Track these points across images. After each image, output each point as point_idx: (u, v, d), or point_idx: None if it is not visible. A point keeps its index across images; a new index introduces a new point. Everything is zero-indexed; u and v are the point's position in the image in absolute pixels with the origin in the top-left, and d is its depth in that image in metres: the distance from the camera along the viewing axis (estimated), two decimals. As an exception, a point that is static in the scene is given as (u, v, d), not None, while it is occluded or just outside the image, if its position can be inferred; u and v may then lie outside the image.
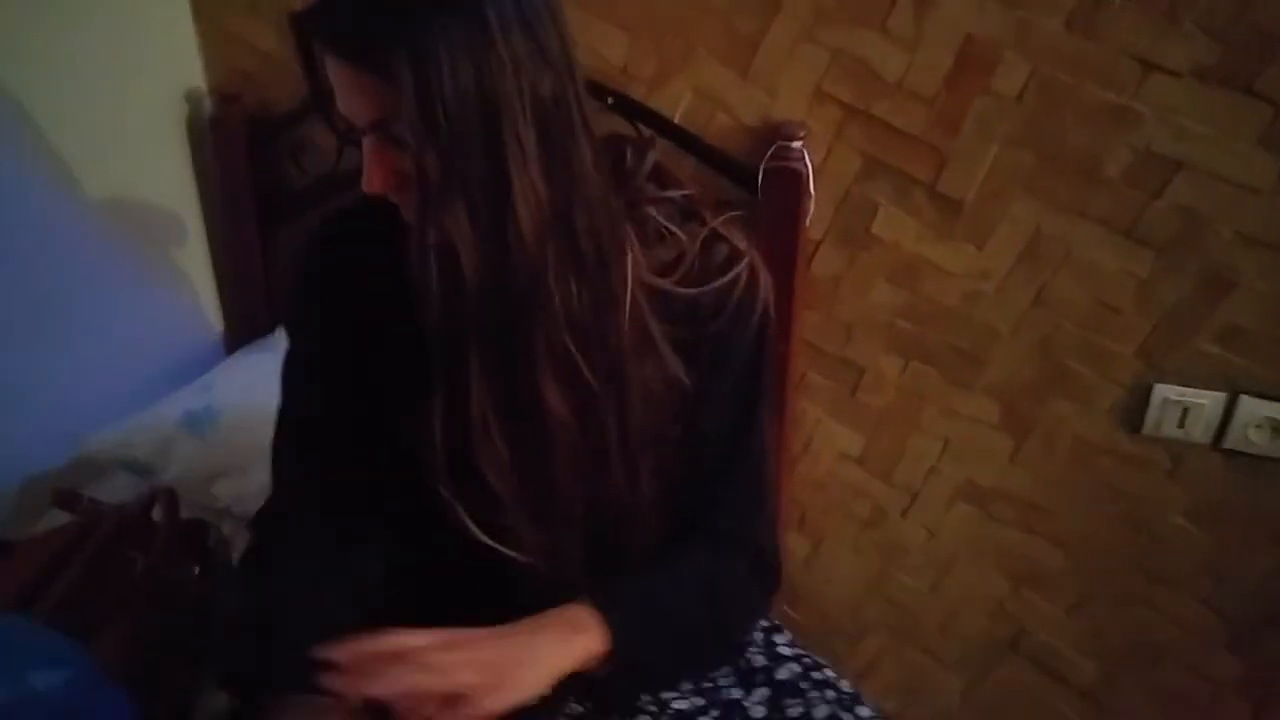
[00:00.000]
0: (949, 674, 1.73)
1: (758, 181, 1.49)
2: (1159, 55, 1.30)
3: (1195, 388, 1.42)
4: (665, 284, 0.96)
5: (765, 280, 1.04)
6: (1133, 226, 1.38)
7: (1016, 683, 1.68)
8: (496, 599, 0.90)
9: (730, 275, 1.00)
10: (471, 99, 0.80)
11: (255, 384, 1.58)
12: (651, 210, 1.01)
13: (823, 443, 1.68)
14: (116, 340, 1.67)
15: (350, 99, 0.84)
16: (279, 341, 1.75)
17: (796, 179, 1.48)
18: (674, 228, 1.01)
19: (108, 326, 1.66)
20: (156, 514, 1.35)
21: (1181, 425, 1.45)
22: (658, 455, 0.99)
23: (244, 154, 1.79)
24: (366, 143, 0.86)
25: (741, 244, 1.03)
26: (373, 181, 0.87)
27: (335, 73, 0.84)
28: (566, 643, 0.86)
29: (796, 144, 1.47)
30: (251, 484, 1.46)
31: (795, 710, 1.08)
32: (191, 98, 1.81)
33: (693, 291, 0.97)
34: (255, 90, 1.82)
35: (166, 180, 1.79)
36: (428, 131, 0.79)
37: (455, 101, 0.79)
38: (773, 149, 1.48)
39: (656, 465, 0.99)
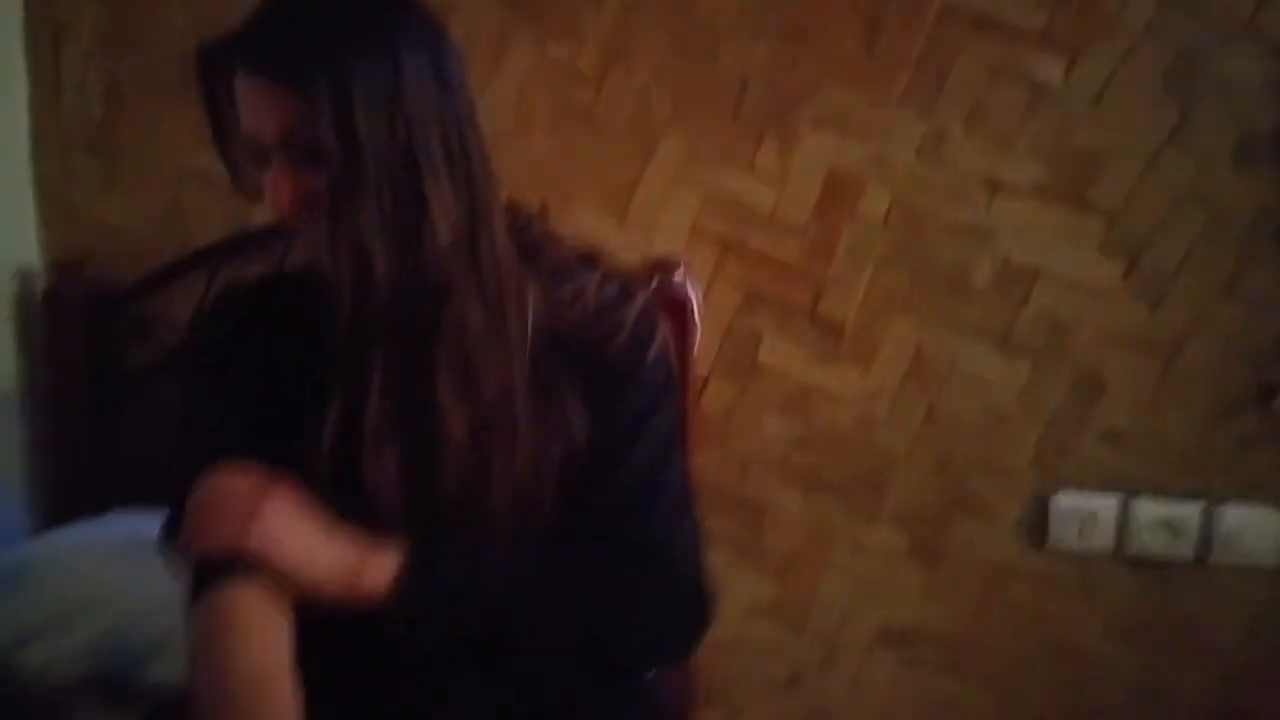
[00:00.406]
0: None
1: (641, 314, 1.50)
2: (1001, 175, 1.44)
3: (1089, 491, 1.45)
4: (562, 316, 0.95)
5: (662, 325, 1.02)
6: (1006, 335, 1.46)
7: None
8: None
9: (625, 309, 0.98)
10: (385, 114, 0.82)
11: (90, 546, 1.37)
12: (550, 255, 1.01)
13: (729, 596, 1.55)
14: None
15: (262, 116, 0.84)
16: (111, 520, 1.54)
17: (682, 309, 1.48)
18: (572, 273, 1.00)
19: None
20: None
21: (1082, 535, 1.45)
22: (538, 509, 0.93)
23: (81, 331, 1.66)
24: (276, 162, 0.85)
25: (636, 288, 1.02)
26: (280, 200, 0.85)
27: (247, 92, 0.85)
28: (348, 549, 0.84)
29: (678, 275, 1.50)
30: (79, 639, 1.22)
31: None
32: (22, 274, 1.70)
33: (587, 318, 0.95)
34: (96, 266, 1.72)
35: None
36: (344, 141, 0.81)
37: (371, 114, 0.81)
38: (655, 283, 1.50)
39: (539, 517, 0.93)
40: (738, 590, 1.57)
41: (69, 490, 1.69)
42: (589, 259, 1.03)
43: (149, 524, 1.39)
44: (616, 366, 0.96)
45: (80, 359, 1.67)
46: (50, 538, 1.51)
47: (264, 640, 0.81)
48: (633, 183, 1.56)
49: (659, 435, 0.98)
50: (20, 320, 1.68)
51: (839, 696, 1.55)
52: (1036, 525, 1.46)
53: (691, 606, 0.98)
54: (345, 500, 0.86)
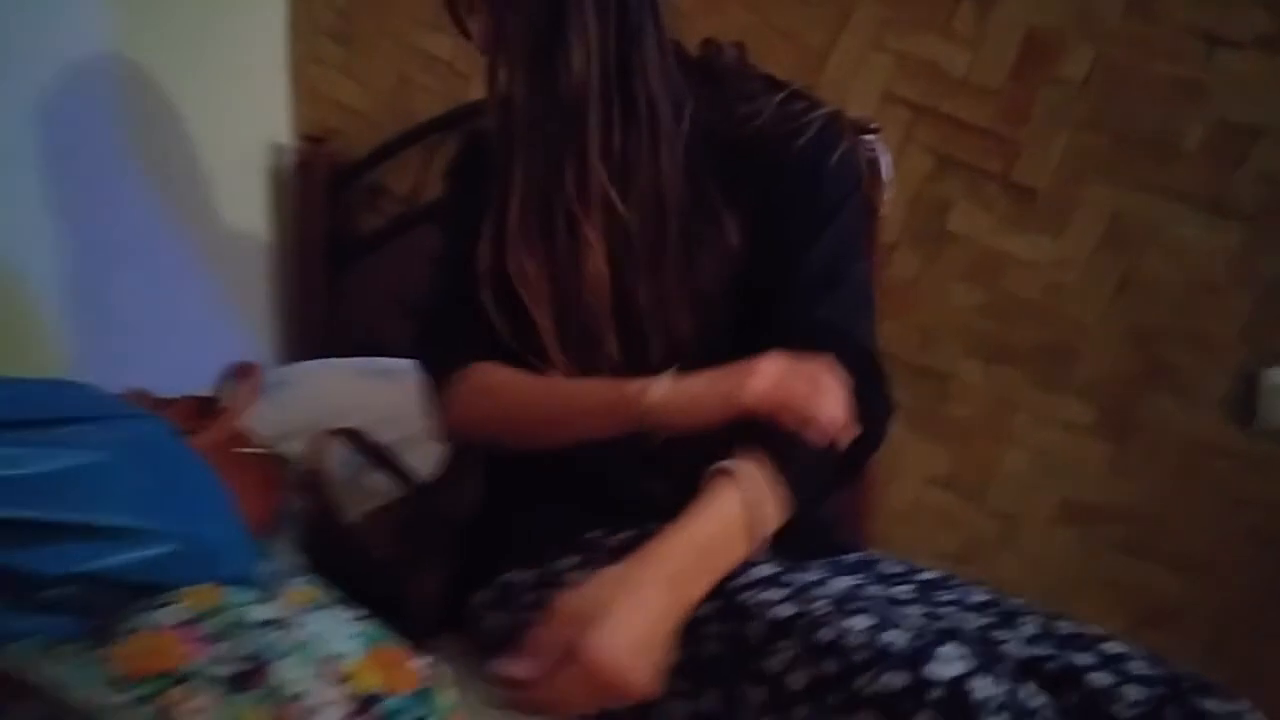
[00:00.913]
0: None
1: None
2: (1221, 29, 1.37)
3: (1307, 368, 1.36)
4: (740, 126, 1.02)
5: (854, 135, 1.06)
6: (1217, 199, 1.39)
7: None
8: None
9: (810, 115, 1.03)
10: None
11: (337, 370, 1.60)
12: (737, 80, 1.06)
13: (907, 466, 1.59)
14: (171, 357, 1.67)
15: None
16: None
17: (874, 168, 1.51)
18: (757, 94, 1.05)
19: (167, 344, 1.67)
20: None
21: (1298, 413, 1.36)
22: (702, 310, 1.01)
23: (321, 198, 1.88)
24: (477, 9, 1.04)
25: (824, 103, 1.06)
26: (479, 40, 1.06)
27: None
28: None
29: (870, 136, 1.52)
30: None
31: (943, 595, 0.98)
32: (275, 150, 1.94)
33: (767, 125, 1.02)
34: (336, 141, 1.94)
35: (246, 222, 1.88)
36: None
37: None
38: (845, 143, 1.54)
39: (700, 320, 1.01)
40: (916, 460, 1.59)
41: (307, 339, 1.94)
42: (779, 84, 1.10)
43: (380, 361, 1.60)
44: (799, 164, 1.02)
45: (321, 223, 1.90)
46: (297, 366, 1.74)
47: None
48: (826, 49, 1.59)
49: (843, 232, 1.04)
50: (273, 189, 1.94)
51: (1015, 572, 1.53)
52: (1242, 402, 1.39)
53: (885, 383, 1.04)
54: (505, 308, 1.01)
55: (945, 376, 1.56)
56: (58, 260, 1.53)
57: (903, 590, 1.00)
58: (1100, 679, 0.85)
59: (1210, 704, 0.83)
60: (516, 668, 0.73)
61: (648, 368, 0.96)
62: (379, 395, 1.48)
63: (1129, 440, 1.46)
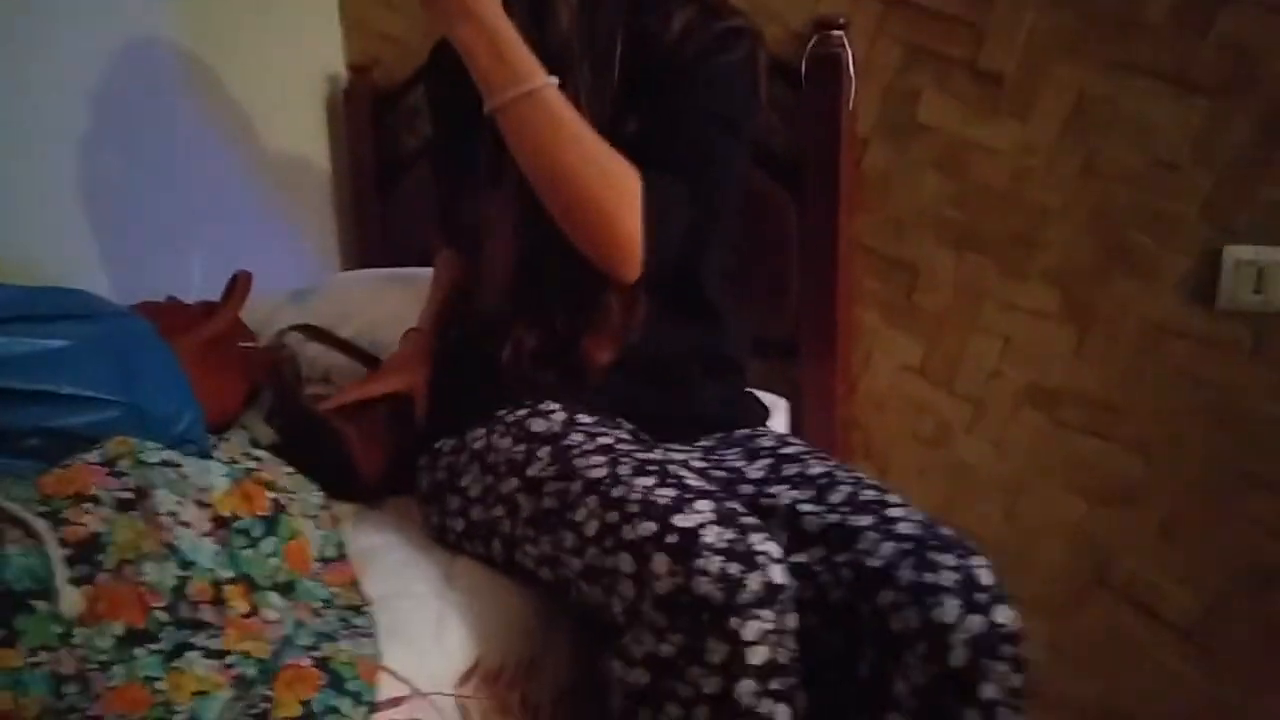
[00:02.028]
0: (1032, 617, 1.55)
1: (801, 75, 1.61)
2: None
3: (1269, 244, 1.35)
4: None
5: (758, 47, 1.20)
6: (1182, 72, 1.39)
7: (1107, 624, 1.55)
8: None
9: (714, 28, 1.16)
10: None
11: (360, 279, 1.84)
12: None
13: (882, 355, 1.68)
14: (246, 267, 1.95)
15: None
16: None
17: (837, 63, 1.58)
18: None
19: (237, 254, 1.95)
20: None
21: (1259, 290, 1.37)
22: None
23: (370, 118, 2.11)
24: None
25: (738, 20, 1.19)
26: None
27: None
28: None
29: (836, 31, 1.58)
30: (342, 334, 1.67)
31: (791, 470, 1.14)
32: (330, 79, 2.17)
33: (670, 36, 1.15)
34: (381, 69, 2.15)
35: (305, 145, 2.13)
36: None
37: None
38: (814, 39, 1.60)
39: None
40: (889, 349, 1.68)
41: (361, 252, 2.19)
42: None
43: (405, 270, 1.82)
44: (692, 67, 1.14)
45: (369, 145, 2.13)
46: (332, 276, 2.00)
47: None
48: (801, -55, 1.65)
49: (713, 104, 1.14)
50: (328, 115, 2.18)
51: (984, 453, 1.61)
52: (1205, 282, 1.40)
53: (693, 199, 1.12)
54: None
55: (917, 267, 1.63)
56: (131, 186, 1.82)
57: (759, 464, 1.17)
58: (869, 537, 1.00)
59: (944, 558, 0.95)
60: None
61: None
62: (392, 300, 1.71)
63: (1092, 324, 1.49)
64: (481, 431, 1.16)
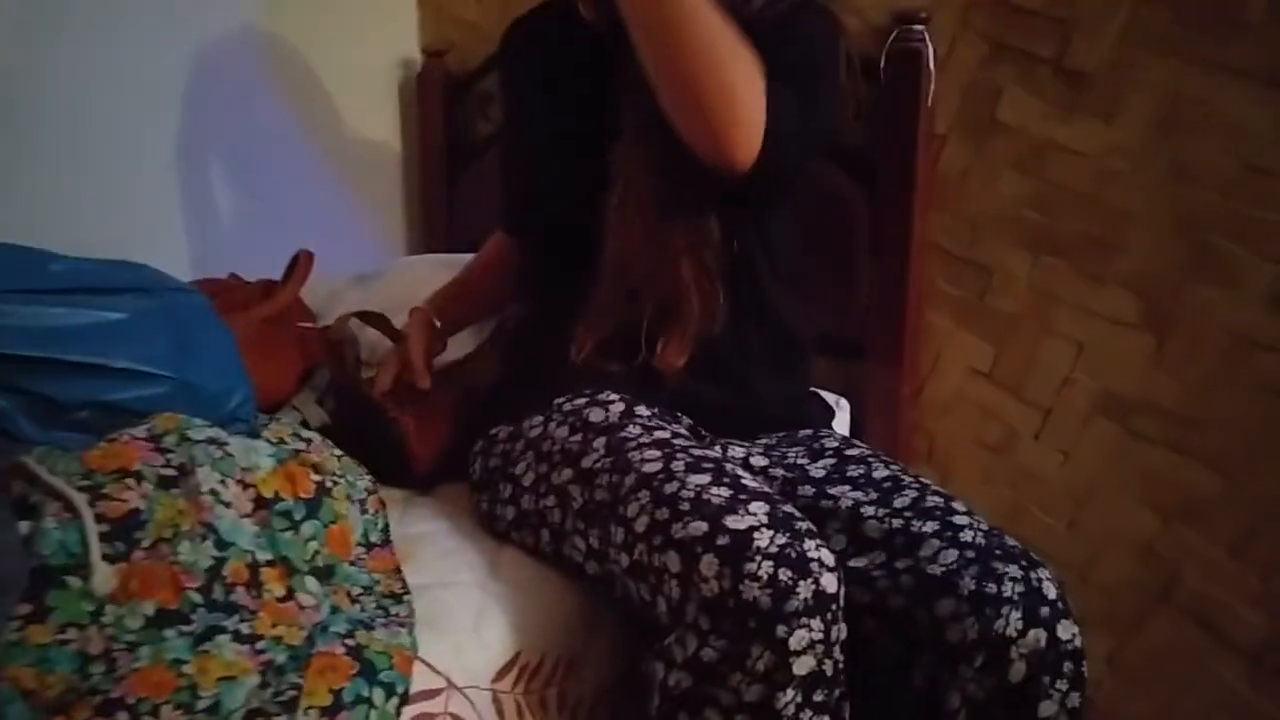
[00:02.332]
0: (1092, 633, 1.47)
1: (880, 70, 1.54)
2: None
3: (1365, 257, 1.26)
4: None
5: (835, 19, 1.18)
6: (1277, 72, 1.29)
7: (1171, 642, 1.46)
8: None
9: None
10: None
11: (423, 264, 1.82)
12: None
13: (951, 358, 1.61)
14: (316, 249, 1.95)
15: None
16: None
17: (917, 59, 1.51)
18: None
19: (307, 236, 1.96)
20: None
21: (1352, 305, 1.27)
22: None
23: (441, 104, 2.09)
24: None
25: None
26: None
27: None
28: None
29: (917, 26, 1.51)
30: (400, 322, 1.66)
31: (855, 471, 1.09)
32: (405, 63, 2.16)
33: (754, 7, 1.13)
34: (456, 54, 2.13)
35: (378, 129, 2.13)
36: None
37: None
38: (894, 34, 1.53)
39: None
40: (959, 352, 1.60)
41: (431, 235, 2.18)
42: None
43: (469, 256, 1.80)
44: (771, 30, 1.09)
45: (440, 130, 2.12)
46: (397, 260, 1.99)
47: None
48: (883, -64, 1.58)
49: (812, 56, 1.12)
50: (402, 100, 2.17)
51: (1052, 463, 1.52)
52: (1293, 294, 1.30)
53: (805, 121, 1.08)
54: None
55: (991, 269, 1.55)
56: (206, 168, 1.84)
57: (822, 463, 1.12)
58: (931, 544, 0.95)
59: (1008, 568, 0.89)
60: None
61: None
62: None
63: (1171, 333, 1.40)
64: (539, 420, 1.13)
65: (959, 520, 0.97)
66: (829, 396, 1.47)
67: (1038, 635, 0.89)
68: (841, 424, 1.52)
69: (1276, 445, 1.35)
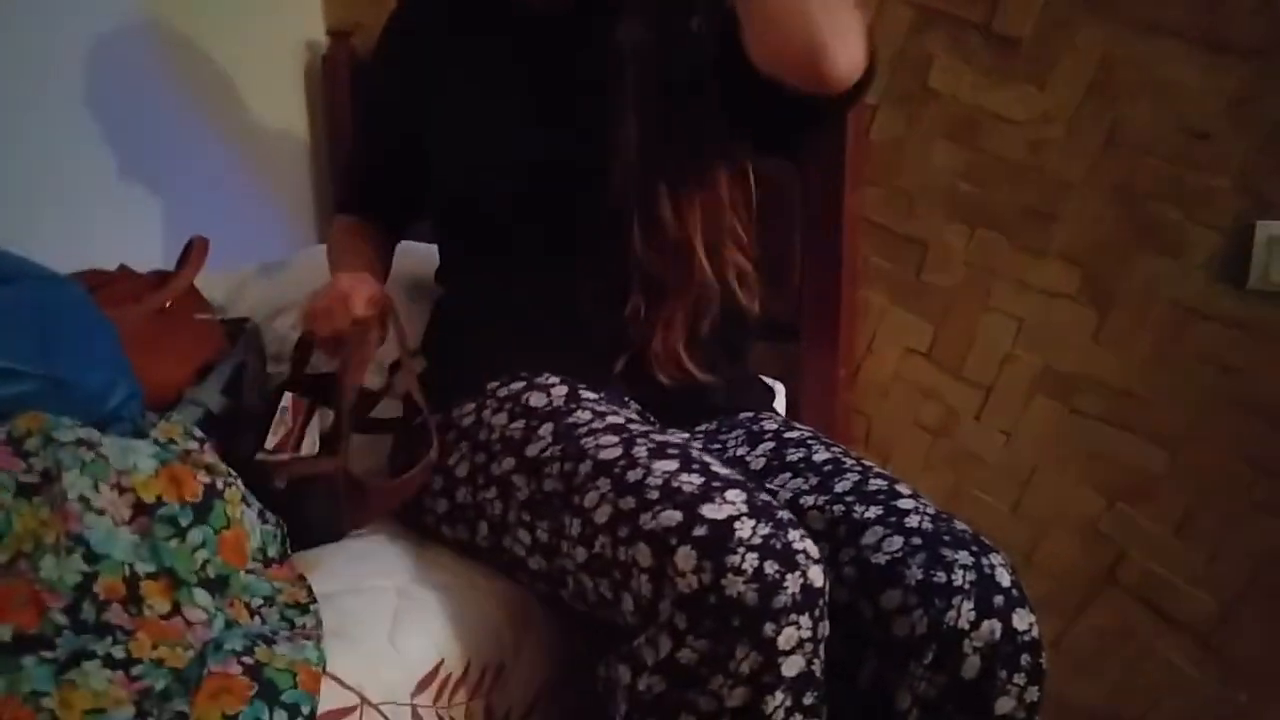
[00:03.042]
0: (1037, 616, 1.49)
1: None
2: None
3: (1307, 219, 1.25)
4: None
5: None
6: (1215, 33, 1.27)
7: (1117, 624, 1.44)
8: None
9: None
10: None
11: (317, 252, 1.69)
12: None
13: (887, 337, 1.57)
14: (221, 239, 1.84)
15: None
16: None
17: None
18: None
19: (210, 227, 1.84)
20: None
21: (1293, 271, 1.26)
22: None
23: (349, 87, 1.99)
24: None
25: None
26: None
27: None
28: None
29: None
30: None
31: (795, 455, 1.03)
32: (310, 45, 2.05)
33: None
34: (363, 35, 2.03)
35: (283, 114, 2.02)
36: None
37: None
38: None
39: None
40: (896, 331, 1.56)
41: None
42: None
43: None
44: None
45: (350, 112, 2.02)
46: (302, 250, 1.88)
47: None
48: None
49: None
50: (308, 81, 2.06)
51: (993, 443, 1.49)
52: (1235, 260, 1.29)
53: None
54: None
55: (927, 244, 1.51)
56: (95, 153, 1.71)
57: (761, 450, 1.06)
58: (875, 531, 0.90)
59: (958, 555, 0.85)
60: None
61: None
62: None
63: (1112, 305, 1.38)
64: (471, 406, 1.05)
65: (904, 504, 0.92)
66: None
67: (992, 626, 0.84)
68: (778, 409, 1.46)
69: (1219, 419, 1.34)
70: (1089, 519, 1.45)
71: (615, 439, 0.90)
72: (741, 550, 0.76)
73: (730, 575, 0.76)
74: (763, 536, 0.78)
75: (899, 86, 1.50)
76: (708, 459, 0.88)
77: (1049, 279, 1.43)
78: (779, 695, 0.77)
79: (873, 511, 0.91)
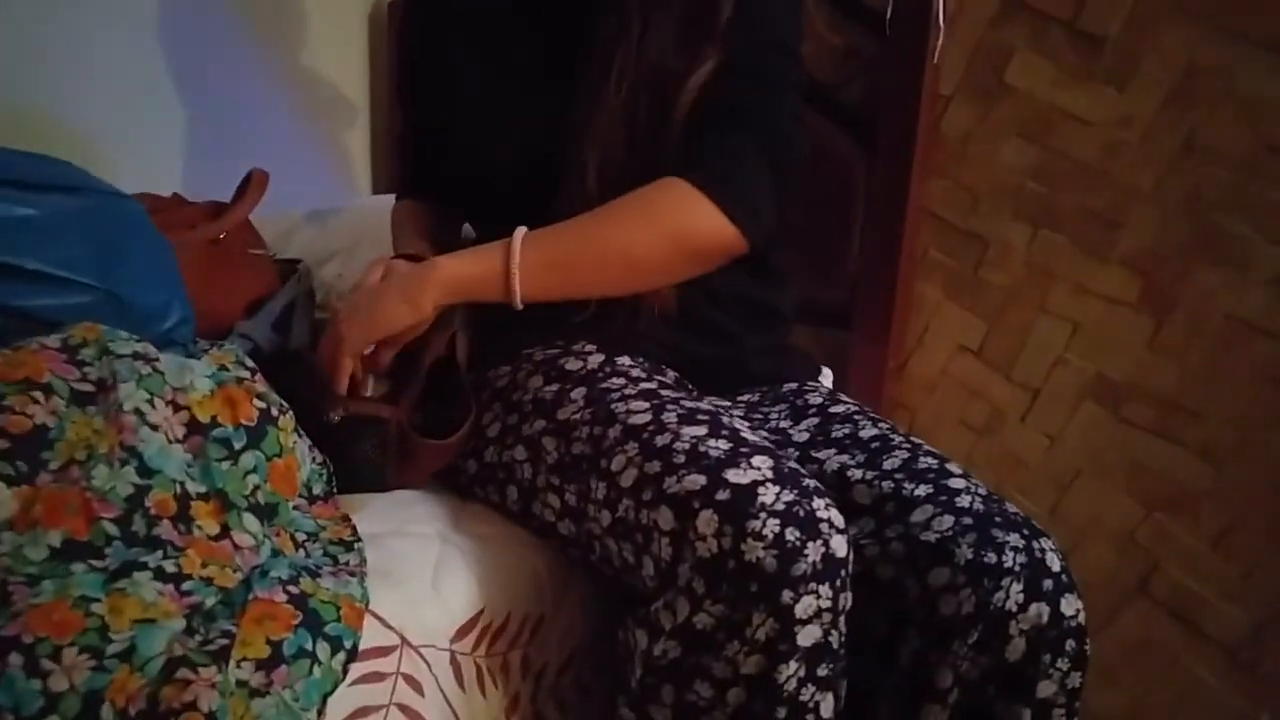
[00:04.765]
0: None
1: (886, 22, 1.45)
2: None
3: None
4: None
5: None
6: (1303, 47, 1.22)
7: (1144, 635, 1.40)
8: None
9: None
10: None
11: (384, 205, 1.67)
12: None
13: (939, 332, 1.53)
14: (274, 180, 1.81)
15: None
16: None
17: (925, 12, 1.42)
18: None
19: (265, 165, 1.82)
20: None
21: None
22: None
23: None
24: None
25: None
26: None
27: None
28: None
29: (924, -22, 1.42)
30: (356, 262, 1.53)
31: (841, 431, 0.99)
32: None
33: None
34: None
35: (344, 59, 1.99)
36: None
37: None
38: (899, -14, 1.44)
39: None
40: (948, 327, 1.52)
41: (394, 177, 2.05)
42: None
43: None
44: None
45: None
46: (357, 199, 1.86)
47: None
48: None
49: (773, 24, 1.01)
50: (372, 27, 2.03)
51: (1036, 446, 1.45)
52: (1301, 280, 1.24)
53: (786, 157, 1.00)
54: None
55: (988, 240, 1.47)
56: (159, 88, 1.69)
57: (806, 424, 1.02)
58: (925, 509, 0.86)
59: (1009, 537, 0.82)
60: None
61: None
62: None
63: (1170, 316, 1.33)
64: (506, 369, 1.02)
65: (955, 484, 0.88)
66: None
67: (1040, 610, 0.80)
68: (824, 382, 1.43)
69: (1270, 436, 1.29)
70: (1126, 529, 1.40)
71: (646, 405, 0.87)
72: (763, 515, 0.73)
73: (750, 540, 0.73)
74: (786, 503, 0.74)
75: (975, 79, 1.46)
76: (738, 425, 0.84)
77: (1109, 285, 1.38)
78: (793, 665, 0.74)
79: (922, 490, 0.87)
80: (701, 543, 0.74)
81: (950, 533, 0.83)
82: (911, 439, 0.98)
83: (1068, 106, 1.38)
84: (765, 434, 1.03)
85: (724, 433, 0.81)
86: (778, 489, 0.75)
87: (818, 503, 0.76)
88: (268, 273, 1.21)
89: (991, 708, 0.82)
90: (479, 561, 0.87)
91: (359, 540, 0.82)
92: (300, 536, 0.80)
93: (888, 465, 0.91)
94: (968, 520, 0.84)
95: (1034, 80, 1.40)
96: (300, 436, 0.82)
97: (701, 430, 0.81)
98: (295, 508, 0.81)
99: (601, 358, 0.98)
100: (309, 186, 1.91)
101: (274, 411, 0.78)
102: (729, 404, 1.07)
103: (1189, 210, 1.31)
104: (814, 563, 0.73)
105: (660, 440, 0.81)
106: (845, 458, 0.94)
